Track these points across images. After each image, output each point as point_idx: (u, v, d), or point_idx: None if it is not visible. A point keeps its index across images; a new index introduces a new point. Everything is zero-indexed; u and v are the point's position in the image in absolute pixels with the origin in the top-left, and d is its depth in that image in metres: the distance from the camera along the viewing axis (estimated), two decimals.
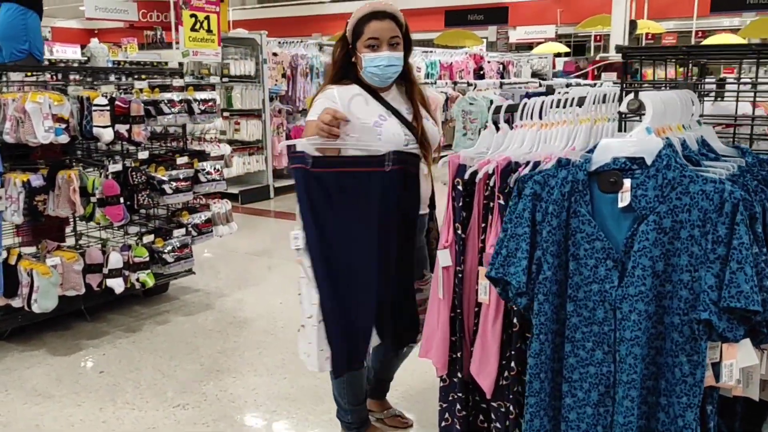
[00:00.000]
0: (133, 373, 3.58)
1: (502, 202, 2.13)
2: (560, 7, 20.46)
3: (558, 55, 15.75)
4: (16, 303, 3.69)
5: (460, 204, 2.20)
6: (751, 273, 1.39)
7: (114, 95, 3.91)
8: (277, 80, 8.05)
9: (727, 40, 17.31)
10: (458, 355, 2.26)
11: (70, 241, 4.45)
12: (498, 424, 2.25)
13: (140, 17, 17.75)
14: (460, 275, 2.21)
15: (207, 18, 5.86)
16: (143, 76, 4.30)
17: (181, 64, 6.00)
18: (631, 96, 1.55)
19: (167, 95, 4.14)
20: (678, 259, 1.48)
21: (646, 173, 1.52)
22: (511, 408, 2.20)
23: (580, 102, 2.19)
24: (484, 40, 18.44)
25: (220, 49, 6.35)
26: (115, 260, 3.96)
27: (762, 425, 1.79)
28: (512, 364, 2.18)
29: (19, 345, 3.89)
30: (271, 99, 8.08)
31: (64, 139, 3.65)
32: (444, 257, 2.20)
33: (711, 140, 1.79)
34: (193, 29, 5.76)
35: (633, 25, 12.72)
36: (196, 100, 4.29)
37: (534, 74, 12.89)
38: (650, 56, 2.03)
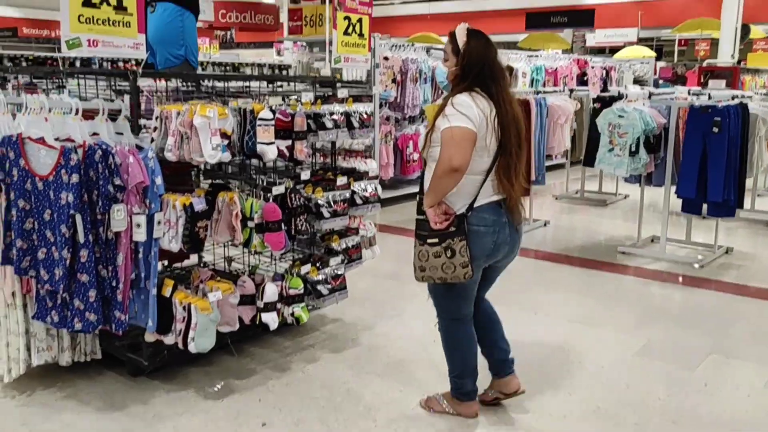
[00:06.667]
0: (299, 427, 3.14)
1: None
2: (642, 10, 19.51)
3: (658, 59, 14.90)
4: (169, 340, 3.27)
5: None
6: None
7: (274, 108, 3.47)
8: (387, 86, 7.57)
9: None
10: None
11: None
12: None
13: (219, 18, 17.51)
14: None
15: (359, 21, 5.36)
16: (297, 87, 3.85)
17: (333, 71, 5.56)
18: None
19: (328, 107, 3.68)
20: None
21: None
22: None
23: None
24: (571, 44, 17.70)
25: (371, 56, 5.87)
26: (271, 292, 3.52)
27: None
28: None
29: (164, 383, 3.48)
30: (381, 105, 7.61)
31: (227, 157, 3.23)
32: None
33: None
34: (345, 33, 5.26)
35: (746, 29, 11.84)
36: (355, 112, 3.82)
37: (636, 80, 12.16)
38: None
